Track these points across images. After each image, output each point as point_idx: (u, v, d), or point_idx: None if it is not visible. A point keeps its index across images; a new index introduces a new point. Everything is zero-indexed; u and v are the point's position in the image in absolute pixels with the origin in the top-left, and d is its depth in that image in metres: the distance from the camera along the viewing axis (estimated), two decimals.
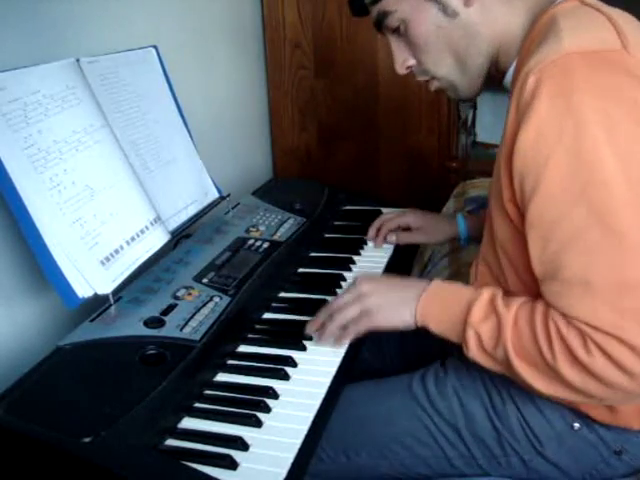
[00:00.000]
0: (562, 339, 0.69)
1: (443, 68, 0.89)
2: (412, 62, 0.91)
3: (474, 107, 2.20)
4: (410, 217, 1.21)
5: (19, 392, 0.72)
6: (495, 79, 0.91)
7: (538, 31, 0.80)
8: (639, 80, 0.69)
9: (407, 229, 1.22)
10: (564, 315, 0.69)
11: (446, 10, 0.83)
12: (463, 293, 0.81)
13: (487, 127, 2.34)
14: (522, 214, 0.74)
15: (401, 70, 0.93)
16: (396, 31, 0.88)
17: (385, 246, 1.22)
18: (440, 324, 0.82)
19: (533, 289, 0.77)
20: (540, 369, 0.72)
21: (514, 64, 0.85)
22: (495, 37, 0.85)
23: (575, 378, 0.69)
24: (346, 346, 0.90)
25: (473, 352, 0.78)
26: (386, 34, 0.91)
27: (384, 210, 1.36)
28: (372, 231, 1.22)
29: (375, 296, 0.87)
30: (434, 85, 0.93)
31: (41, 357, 0.77)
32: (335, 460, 0.90)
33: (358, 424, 0.91)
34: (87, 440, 0.65)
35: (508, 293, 0.84)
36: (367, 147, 1.75)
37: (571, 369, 0.68)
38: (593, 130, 0.66)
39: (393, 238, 1.20)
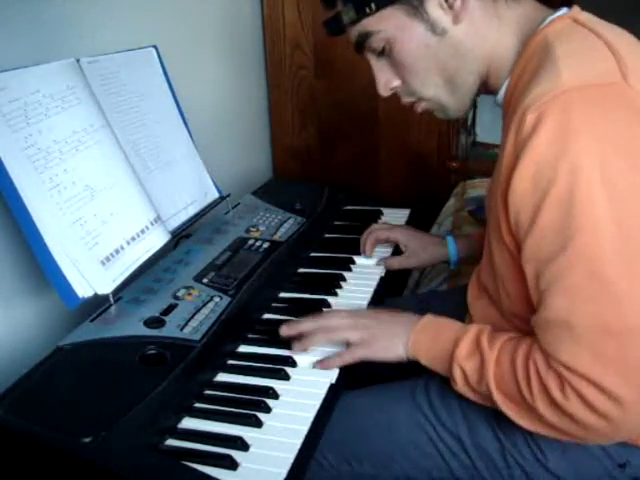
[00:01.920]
0: (540, 380, 0.70)
1: (431, 88, 0.85)
2: (396, 83, 0.87)
3: (474, 107, 2.20)
4: (400, 235, 1.18)
5: (19, 392, 0.72)
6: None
7: (531, 53, 0.77)
8: (637, 114, 0.67)
9: (397, 251, 1.19)
10: (546, 354, 0.70)
11: (435, 28, 0.79)
12: (451, 329, 0.83)
13: (487, 127, 2.33)
14: (519, 246, 0.74)
15: (384, 92, 0.88)
16: (380, 52, 0.84)
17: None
18: (429, 358, 0.84)
19: (525, 317, 0.77)
20: (521, 407, 0.73)
21: (506, 84, 0.82)
22: (485, 56, 0.82)
23: (553, 418, 0.70)
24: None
25: (459, 386, 0.80)
26: (367, 55, 0.86)
27: (384, 210, 1.37)
28: (363, 246, 1.20)
29: (374, 328, 0.88)
30: (421, 106, 0.89)
31: (41, 357, 0.77)
32: (337, 467, 0.89)
33: (361, 433, 0.90)
34: (87, 440, 0.65)
35: (503, 316, 0.85)
36: (367, 147, 1.75)
37: (548, 409, 0.70)
38: (588, 175, 0.65)
39: (382, 266, 1.16)
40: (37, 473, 0.69)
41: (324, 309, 1.00)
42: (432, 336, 0.85)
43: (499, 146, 0.80)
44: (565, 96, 0.67)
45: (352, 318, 0.90)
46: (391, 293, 1.17)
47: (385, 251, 1.20)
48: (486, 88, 0.86)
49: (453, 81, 0.84)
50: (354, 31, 0.84)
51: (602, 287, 0.65)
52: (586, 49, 0.73)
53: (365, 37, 0.83)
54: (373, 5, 0.80)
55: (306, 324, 0.90)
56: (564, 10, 0.79)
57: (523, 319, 0.79)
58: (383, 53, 0.84)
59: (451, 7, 0.78)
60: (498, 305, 0.87)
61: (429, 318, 0.87)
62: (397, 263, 1.17)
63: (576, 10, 0.79)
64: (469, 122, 2.12)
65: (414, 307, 1.14)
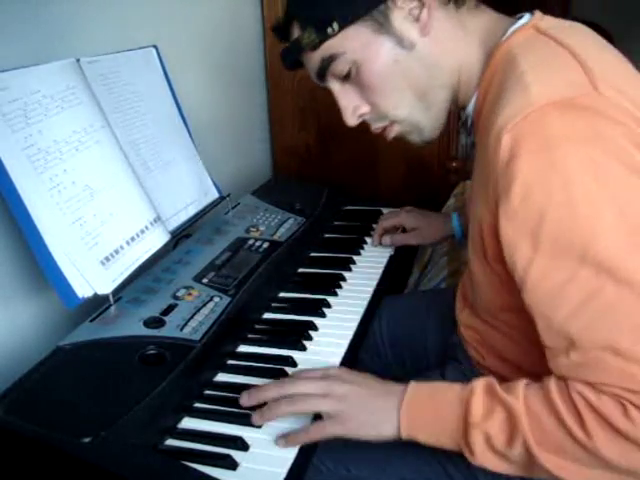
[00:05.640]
0: (595, 411, 0.61)
1: (405, 108, 0.81)
2: (365, 109, 0.83)
3: None
4: (405, 217, 1.22)
5: (19, 392, 0.72)
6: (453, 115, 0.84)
7: (496, 67, 0.74)
8: (615, 121, 0.62)
9: (403, 229, 1.23)
10: (590, 383, 0.62)
11: (402, 42, 0.76)
12: (451, 393, 0.71)
13: None
14: (508, 270, 0.68)
15: (352, 120, 0.84)
16: (345, 77, 0.80)
17: (385, 246, 1.22)
18: (433, 434, 0.71)
19: (509, 327, 0.75)
20: (571, 456, 0.63)
21: (474, 98, 0.80)
22: (454, 68, 0.79)
23: (616, 454, 0.61)
24: (344, 349, 0.90)
25: (480, 457, 0.67)
26: (329, 83, 0.83)
27: (384, 210, 1.37)
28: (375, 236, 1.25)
29: (350, 399, 0.74)
30: (394, 131, 0.86)
31: (41, 357, 0.77)
32: (334, 473, 0.87)
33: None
34: (87, 440, 0.65)
35: (485, 324, 0.83)
36: (367, 147, 1.75)
37: (612, 444, 0.60)
38: (582, 181, 0.60)
39: (387, 240, 1.21)
40: (37, 473, 0.69)
41: (290, 371, 0.84)
42: (430, 409, 0.72)
43: (473, 161, 0.79)
44: (539, 113, 0.63)
45: (323, 383, 0.76)
46: (391, 292, 1.17)
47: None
48: (456, 103, 0.83)
49: (426, 97, 0.81)
50: (316, 57, 0.79)
51: (634, 294, 0.59)
52: (551, 60, 0.69)
53: (329, 61, 0.78)
54: (335, 24, 0.75)
55: (270, 391, 0.77)
56: (526, 18, 0.76)
57: (507, 331, 0.78)
58: (348, 77, 0.80)
59: (417, 19, 0.75)
60: (478, 314, 0.85)
61: (416, 387, 0.73)
62: (400, 239, 1.21)
63: (537, 16, 0.76)
64: (469, 122, 2.12)
65: (415, 305, 1.15)
